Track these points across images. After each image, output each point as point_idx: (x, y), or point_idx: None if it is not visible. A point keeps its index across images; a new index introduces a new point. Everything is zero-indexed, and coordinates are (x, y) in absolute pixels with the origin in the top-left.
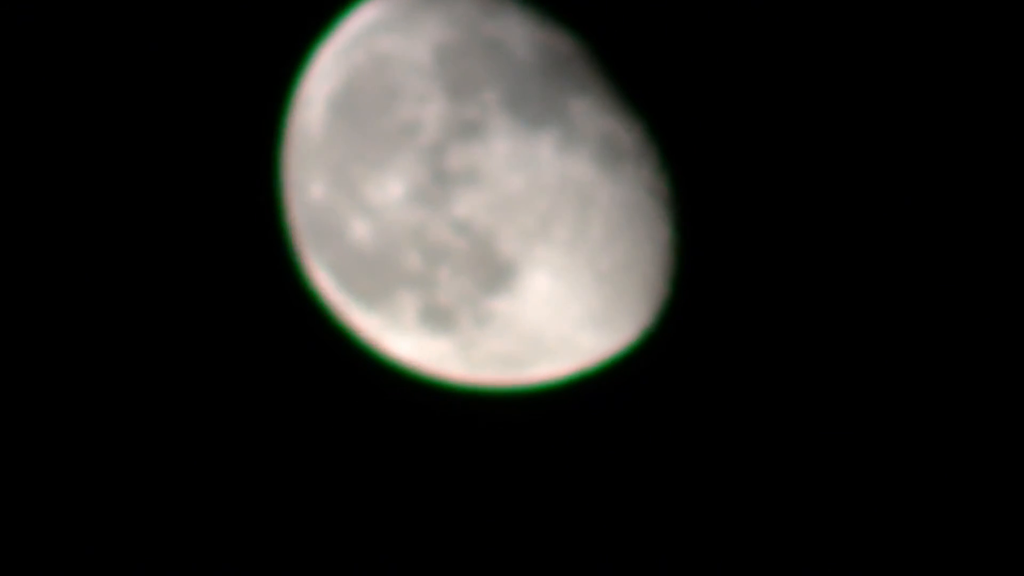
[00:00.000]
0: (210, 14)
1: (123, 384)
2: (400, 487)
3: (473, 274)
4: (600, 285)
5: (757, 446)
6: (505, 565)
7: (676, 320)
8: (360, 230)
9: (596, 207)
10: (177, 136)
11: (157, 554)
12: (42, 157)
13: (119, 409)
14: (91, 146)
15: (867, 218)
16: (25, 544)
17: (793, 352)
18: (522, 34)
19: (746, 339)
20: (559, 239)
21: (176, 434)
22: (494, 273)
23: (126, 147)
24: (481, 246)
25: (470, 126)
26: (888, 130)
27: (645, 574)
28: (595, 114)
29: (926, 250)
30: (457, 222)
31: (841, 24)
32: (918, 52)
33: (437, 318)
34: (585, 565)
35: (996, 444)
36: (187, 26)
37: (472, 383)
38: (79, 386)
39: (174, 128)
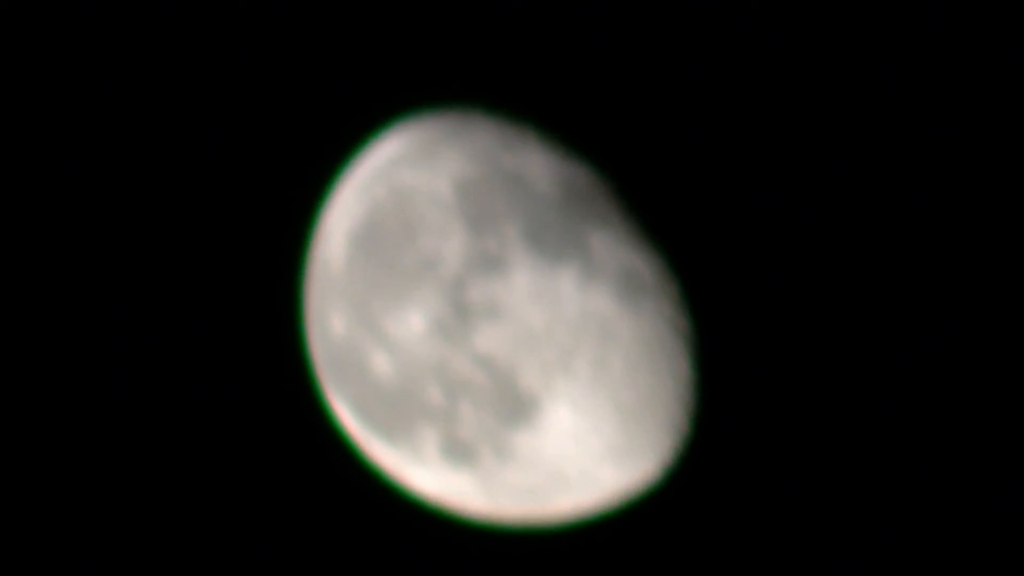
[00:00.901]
0: (234, 145)
1: (148, 517)
2: None
3: (494, 408)
4: (621, 420)
5: None
6: None
7: (697, 457)
8: (381, 364)
9: (617, 342)
10: (202, 271)
11: None
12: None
13: (144, 546)
14: (120, 273)
15: (889, 351)
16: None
17: (813, 495)
18: (542, 167)
19: (767, 479)
20: (580, 373)
21: (201, 569)
22: (515, 407)
23: (154, 280)
24: (502, 380)
25: (491, 260)
26: (904, 256)
27: None
28: (615, 247)
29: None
30: (478, 356)
31: (857, 148)
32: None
33: (458, 452)
34: None
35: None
36: (211, 158)
37: (494, 518)
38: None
39: (200, 262)
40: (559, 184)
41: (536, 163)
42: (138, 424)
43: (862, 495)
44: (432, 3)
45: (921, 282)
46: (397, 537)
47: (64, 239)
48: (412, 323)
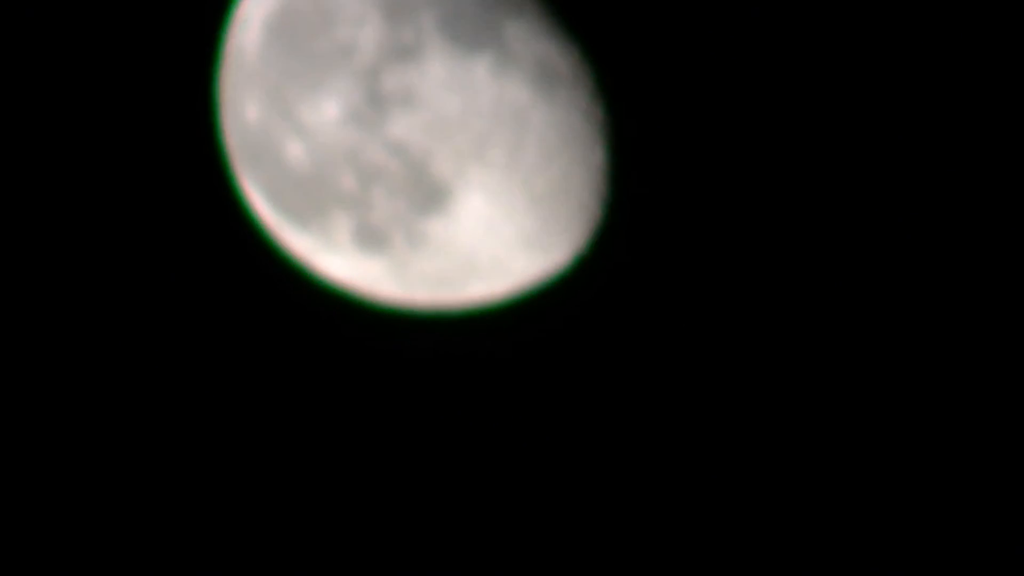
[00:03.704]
0: None
1: (67, 309)
2: (331, 407)
3: (407, 195)
4: (534, 207)
5: (686, 373)
6: (435, 491)
7: (608, 244)
8: (295, 151)
9: (531, 130)
10: (114, 56)
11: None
12: None
13: (64, 331)
14: (25, 71)
15: (793, 145)
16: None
17: (722, 281)
18: None
19: (676, 265)
20: (494, 161)
21: (115, 360)
22: (428, 194)
23: (60, 67)
24: (416, 168)
25: (406, 48)
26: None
27: (576, 503)
28: (531, 38)
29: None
30: (392, 144)
31: None
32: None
33: (371, 238)
34: (515, 492)
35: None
36: None
37: (405, 303)
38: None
39: (110, 48)
40: None
41: None
42: (55, 222)
43: (766, 288)
44: None
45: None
46: (308, 323)
47: None
48: (326, 110)
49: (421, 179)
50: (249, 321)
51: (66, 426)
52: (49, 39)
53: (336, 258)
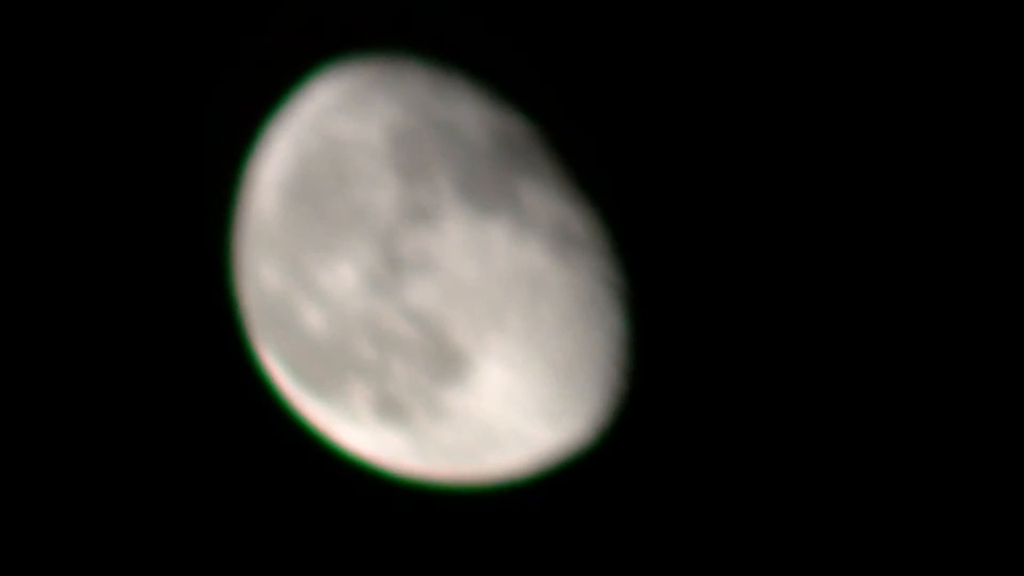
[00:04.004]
0: (163, 92)
1: (78, 469)
2: None
3: (426, 365)
4: (552, 376)
5: (710, 550)
6: None
7: (630, 416)
8: (313, 318)
9: (548, 296)
10: (131, 223)
11: None
12: None
13: (69, 494)
14: (44, 217)
15: (824, 312)
16: None
17: (745, 452)
18: (474, 116)
19: (700, 438)
20: (512, 329)
21: (127, 526)
22: (447, 364)
23: (78, 228)
24: (434, 336)
25: (423, 211)
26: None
27: None
28: (547, 200)
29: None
30: (410, 311)
31: (796, 117)
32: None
33: (390, 410)
34: None
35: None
36: (141, 105)
37: (426, 476)
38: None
39: (128, 214)
40: (491, 134)
41: (468, 112)
42: (66, 383)
43: (796, 454)
44: None
45: (858, 238)
46: (329, 495)
47: None
48: (344, 276)
49: (439, 348)
50: (270, 493)
51: None
52: (65, 197)
53: (355, 429)
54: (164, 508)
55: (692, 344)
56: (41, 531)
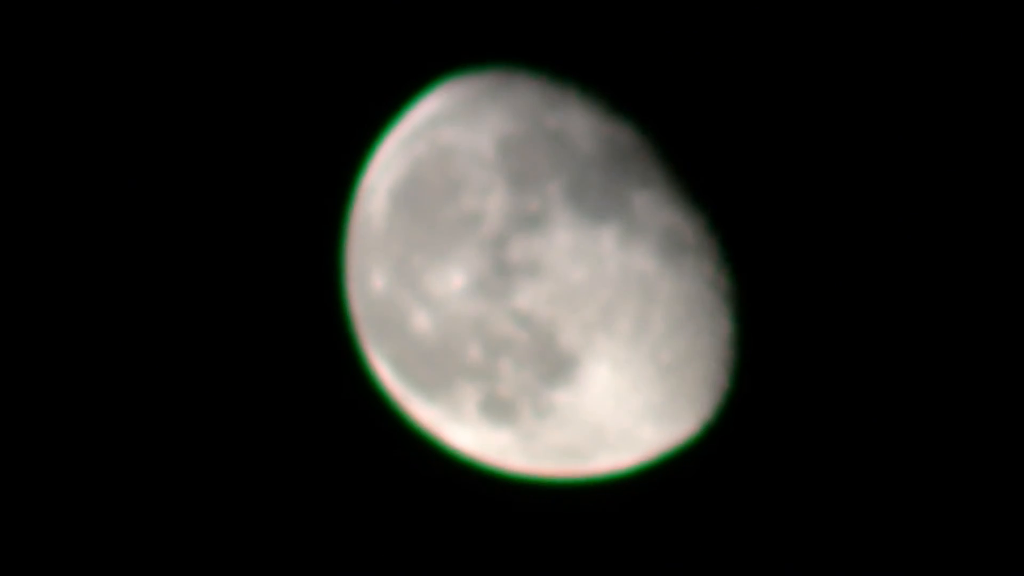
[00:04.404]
0: (281, 103)
1: (186, 474)
2: None
3: (534, 366)
4: (661, 378)
5: (816, 541)
6: None
7: (737, 414)
8: (421, 322)
9: (657, 300)
10: (247, 228)
11: None
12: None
13: (181, 506)
14: (158, 231)
15: (929, 315)
16: None
17: (851, 446)
18: (584, 125)
19: (806, 433)
20: (620, 332)
21: (240, 525)
22: (555, 365)
23: (194, 234)
24: (542, 338)
25: (532, 218)
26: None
27: None
28: (657, 207)
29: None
30: (518, 314)
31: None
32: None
33: (498, 410)
34: None
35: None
36: (255, 115)
37: (532, 475)
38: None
39: (245, 218)
40: (601, 143)
41: (578, 121)
42: (180, 382)
43: (899, 451)
44: None
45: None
46: (436, 494)
47: (113, 204)
48: (452, 280)
49: (548, 350)
50: (379, 493)
51: None
52: (180, 206)
53: (463, 429)
54: (278, 506)
55: (798, 346)
56: (147, 526)
